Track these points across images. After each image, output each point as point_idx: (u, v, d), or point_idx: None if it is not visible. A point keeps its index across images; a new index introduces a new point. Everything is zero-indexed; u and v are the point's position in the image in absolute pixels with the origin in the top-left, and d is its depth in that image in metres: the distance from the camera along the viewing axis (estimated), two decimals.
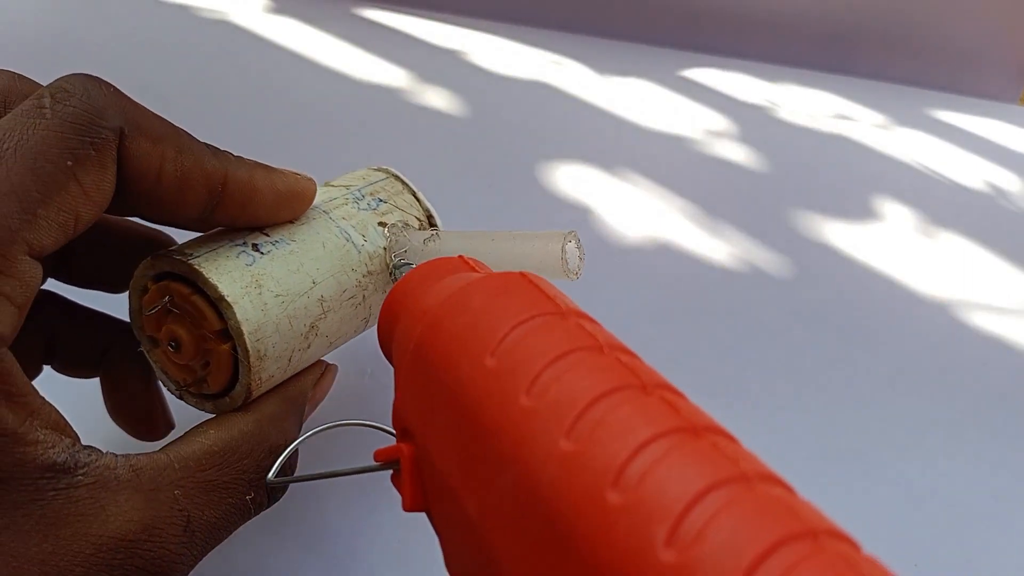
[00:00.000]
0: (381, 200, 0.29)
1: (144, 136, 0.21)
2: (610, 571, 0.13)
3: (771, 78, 0.67)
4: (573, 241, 0.24)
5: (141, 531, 0.19)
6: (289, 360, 0.25)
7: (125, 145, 0.21)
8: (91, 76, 0.21)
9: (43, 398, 0.19)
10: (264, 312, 0.24)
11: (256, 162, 0.25)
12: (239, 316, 0.24)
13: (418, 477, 0.19)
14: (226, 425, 0.23)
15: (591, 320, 0.18)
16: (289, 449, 0.24)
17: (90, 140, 0.20)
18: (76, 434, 0.20)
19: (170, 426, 0.29)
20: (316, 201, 0.27)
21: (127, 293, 0.26)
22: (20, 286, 0.19)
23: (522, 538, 0.15)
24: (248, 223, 0.25)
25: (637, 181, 0.51)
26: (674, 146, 0.56)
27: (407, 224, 0.28)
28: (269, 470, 0.23)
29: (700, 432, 0.14)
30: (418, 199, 0.30)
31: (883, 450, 0.34)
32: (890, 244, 0.49)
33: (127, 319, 0.26)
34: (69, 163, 0.20)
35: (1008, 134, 0.65)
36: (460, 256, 0.22)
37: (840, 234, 0.49)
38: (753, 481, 0.13)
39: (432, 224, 0.30)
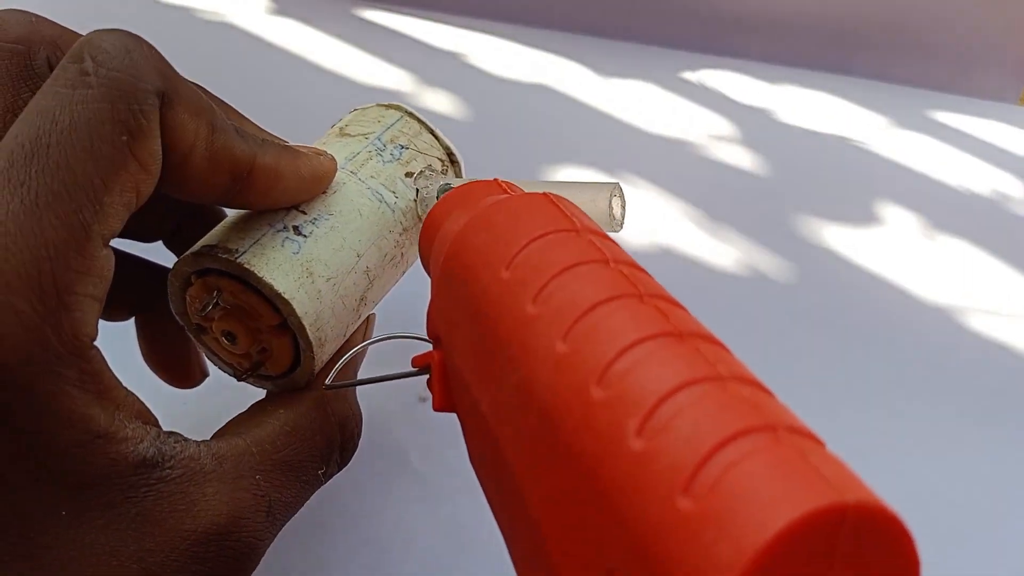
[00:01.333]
0: (403, 147, 0.28)
1: (183, 106, 0.20)
2: (588, 459, 0.14)
3: (771, 79, 0.67)
4: (618, 193, 0.25)
5: (229, 522, 0.20)
6: (344, 335, 0.26)
7: (164, 113, 0.20)
8: (128, 33, 0.20)
9: (126, 389, 0.19)
10: (320, 300, 0.24)
11: (282, 146, 0.24)
12: (299, 311, 0.23)
13: (445, 380, 0.21)
14: (294, 404, 0.23)
15: (605, 237, 0.19)
16: (346, 357, 0.24)
17: (139, 108, 0.19)
18: (157, 419, 0.20)
19: (204, 374, 0.29)
20: (339, 157, 0.27)
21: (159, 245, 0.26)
22: (101, 281, 0.19)
23: (521, 433, 0.16)
24: (268, 206, 0.25)
25: (638, 183, 0.51)
26: (675, 148, 0.56)
27: (432, 169, 0.28)
28: (340, 445, 0.24)
29: (685, 337, 0.15)
30: (436, 137, 0.30)
31: (885, 453, 0.34)
32: (891, 246, 0.49)
33: (161, 263, 0.26)
34: (124, 138, 0.18)
35: (1008, 134, 0.65)
36: (496, 179, 0.23)
37: (841, 236, 0.49)
38: (727, 381, 0.14)
39: (453, 161, 0.30)
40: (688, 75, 0.65)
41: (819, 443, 0.14)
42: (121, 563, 0.18)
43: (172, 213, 0.28)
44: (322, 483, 0.23)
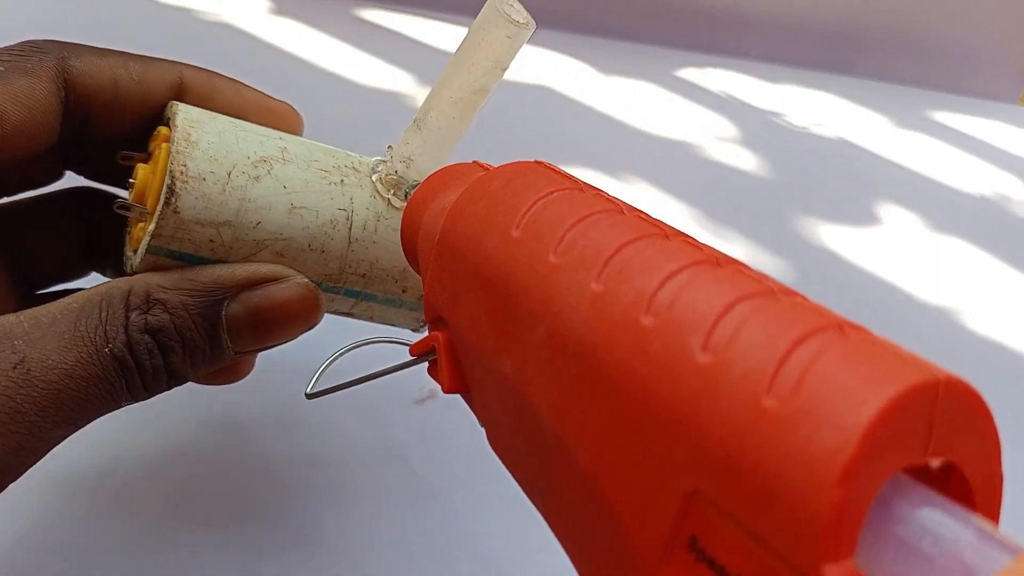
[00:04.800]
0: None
1: (88, 53, 0.23)
2: (648, 384, 0.14)
3: (771, 78, 0.67)
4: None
5: None
6: (229, 176, 0.23)
7: (71, 64, 0.23)
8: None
9: None
10: (212, 120, 0.24)
11: (223, 75, 0.26)
12: (179, 109, 0.23)
13: (454, 359, 0.20)
14: (95, 287, 0.22)
15: (608, 194, 0.19)
16: (326, 363, 0.22)
17: (24, 57, 0.22)
18: None
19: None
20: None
21: None
22: None
23: (558, 383, 0.16)
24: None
25: (637, 184, 0.51)
26: (675, 148, 0.56)
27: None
28: (132, 323, 0.21)
29: (723, 262, 0.15)
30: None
31: None
32: (891, 246, 0.49)
33: None
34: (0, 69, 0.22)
35: (1009, 134, 0.65)
36: (475, 161, 0.23)
37: (841, 236, 0.49)
38: (776, 294, 0.14)
39: None
40: (710, 85, 0.65)
41: (874, 335, 0.14)
42: None
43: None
44: (115, 372, 0.21)
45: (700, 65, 0.67)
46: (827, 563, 0.11)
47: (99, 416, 0.21)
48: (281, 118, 0.27)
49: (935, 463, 0.13)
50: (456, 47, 0.26)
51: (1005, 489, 0.14)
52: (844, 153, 0.59)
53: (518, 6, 0.24)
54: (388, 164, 0.25)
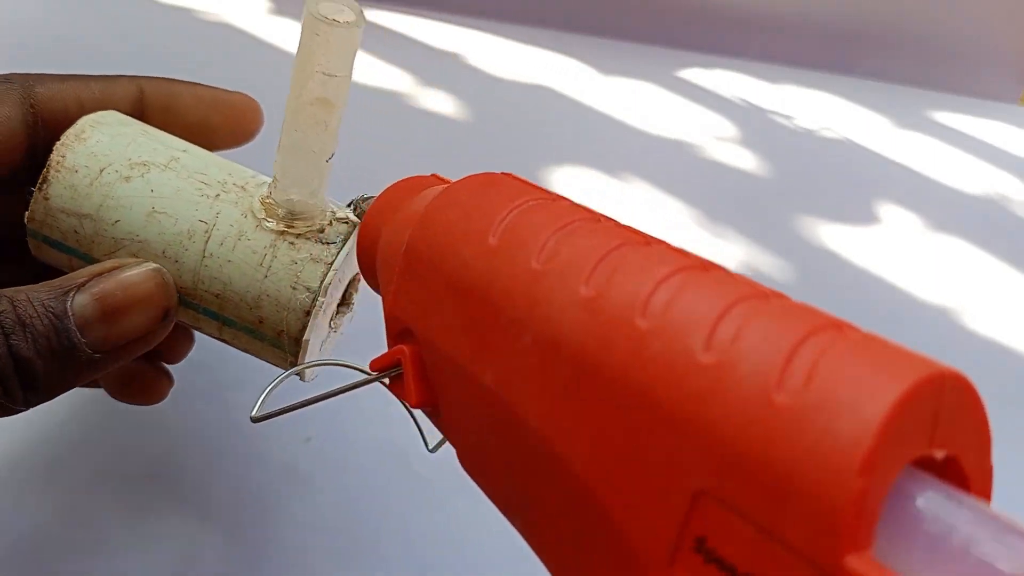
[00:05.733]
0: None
1: (52, 80, 0.25)
2: (647, 387, 0.14)
3: (771, 78, 0.67)
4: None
5: None
6: (101, 171, 0.24)
7: (36, 91, 0.25)
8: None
9: None
10: (124, 123, 0.25)
11: (182, 80, 0.28)
12: (103, 112, 0.25)
13: (422, 373, 0.20)
14: None
15: (580, 204, 0.19)
16: (267, 389, 0.21)
17: None
18: None
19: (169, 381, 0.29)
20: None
21: None
22: None
23: (547, 388, 0.16)
24: (183, 134, 0.27)
25: (637, 184, 0.51)
26: (675, 148, 0.56)
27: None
28: None
29: (710, 267, 0.16)
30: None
31: None
32: (891, 246, 0.49)
33: None
34: None
35: (1008, 135, 0.65)
36: (433, 174, 0.23)
37: (841, 236, 0.49)
38: (770, 297, 0.15)
39: None
40: (710, 84, 0.65)
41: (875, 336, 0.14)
42: None
43: None
44: None
45: (700, 65, 0.67)
46: (848, 554, 0.11)
47: None
48: (239, 109, 0.28)
49: (939, 455, 0.13)
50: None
51: (1007, 488, 0.14)
52: (844, 153, 0.59)
53: (340, 4, 0.23)
54: (268, 186, 0.25)
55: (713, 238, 0.47)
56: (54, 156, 0.24)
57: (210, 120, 0.27)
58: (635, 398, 0.14)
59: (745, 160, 0.55)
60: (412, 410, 0.22)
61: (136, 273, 0.23)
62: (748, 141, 0.57)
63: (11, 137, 0.24)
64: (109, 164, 0.24)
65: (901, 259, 0.48)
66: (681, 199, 0.50)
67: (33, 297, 0.21)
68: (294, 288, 0.24)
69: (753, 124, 0.60)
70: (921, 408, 0.12)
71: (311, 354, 0.25)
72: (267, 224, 0.24)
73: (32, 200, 0.24)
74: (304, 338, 0.24)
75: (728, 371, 0.13)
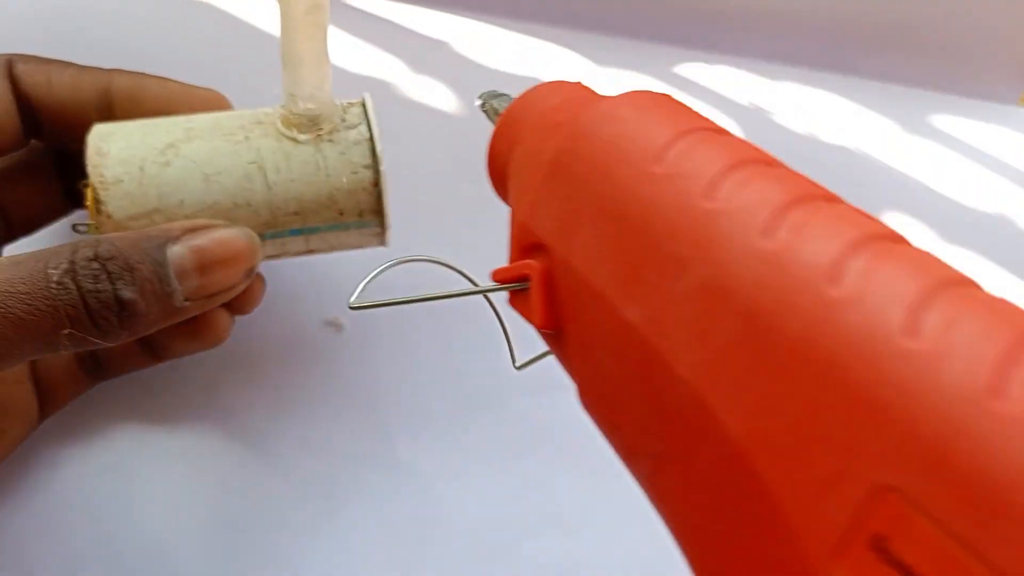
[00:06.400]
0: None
1: (32, 60, 0.28)
2: (837, 362, 0.13)
3: (771, 77, 0.66)
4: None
5: None
6: (142, 169, 0.25)
7: (16, 66, 0.27)
8: None
9: None
10: (122, 128, 0.27)
11: (151, 74, 0.29)
12: (94, 127, 0.26)
13: (550, 293, 0.18)
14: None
15: (746, 141, 0.18)
16: (368, 277, 0.22)
17: None
18: None
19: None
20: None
21: None
22: None
23: (707, 338, 0.14)
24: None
25: None
26: None
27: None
28: (79, 253, 0.22)
29: (899, 239, 0.15)
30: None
31: None
32: None
33: None
34: None
35: (1008, 136, 0.64)
36: (579, 82, 0.21)
37: None
38: (972, 286, 0.14)
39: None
40: (709, 82, 0.65)
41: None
42: None
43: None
44: (59, 297, 0.22)
45: (698, 62, 0.67)
46: None
47: (41, 343, 0.22)
48: (209, 104, 0.29)
49: None
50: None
51: None
52: (844, 153, 0.58)
53: None
54: (282, 107, 0.27)
55: None
56: (93, 179, 0.25)
57: (177, 112, 0.28)
58: (820, 370, 0.13)
59: None
60: (504, 323, 0.21)
61: (230, 232, 0.25)
62: (746, 139, 0.57)
63: (3, 100, 0.27)
64: (143, 160, 0.26)
65: None
66: None
67: (135, 243, 0.23)
68: (354, 172, 0.27)
69: (752, 123, 0.59)
70: None
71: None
72: (302, 137, 0.26)
73: (94, 227, 0.26)
74: (384, 206, 0.27)
75: (936, 363, 0.12)
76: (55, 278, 0.22)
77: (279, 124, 0.27)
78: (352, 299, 0.21)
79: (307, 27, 0.25)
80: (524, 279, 0.19)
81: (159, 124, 0.27)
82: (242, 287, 0.26)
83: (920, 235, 0.50)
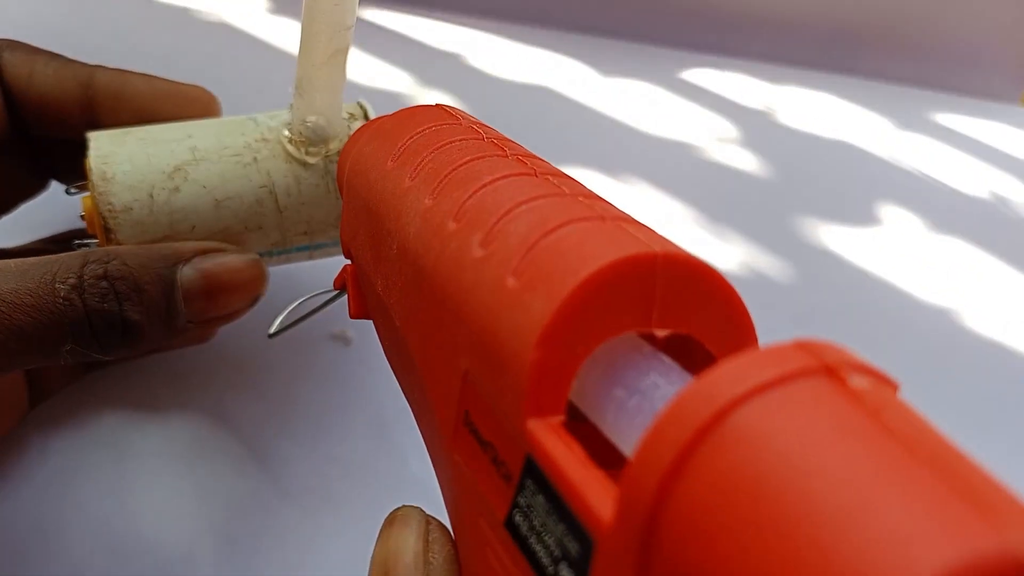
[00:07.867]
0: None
1: (20, 49, 0.27)
2: (440, 282, 0.16)
3: (771, 78, 0.67)
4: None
5: None
6: (151, 196, 0.25)
7: (3, 57, 0.27)
8: None
9: None
10: (121, 146, 0.25)
11: (137, 72, 0.28)
12: (91, 145, 0.25)
13: (358, 288, 0.22)
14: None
15: (495, 134, 0.20)
16: (290, 307, 0.24)
17: None
18: None
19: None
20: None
21: None
22: None
23: (402, 289, 0.18)
24: (133, 121, 0.27)
25: (638, 184, 0.51)
26: (675, 149, 0.56)
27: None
28: (88, 270, 0.22)
29: (539, 174, 0.17)
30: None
31: None
32: (891, 247, 0.49)
33: None
34: None
35: (1009, 135, 0.64)
36: (438, 104, 0.24)
37: (841, 237, 0.49)
38: (567, 196, 0.16)
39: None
40: (710, 84, 0.65)
41: (648, 230, 0.15)
42: None
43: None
44: (63, 305, 0.22)
45: (700, 65, 0.67)
46: (531, 419, 0.13)
47: (42, 355, 0.22)
48: (196, 102, 0.29)
49: (662, 333, 0.14)
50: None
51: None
52: (844, 153, 0.59)
53: None
54: (292, 128, 0.27)
55: (713, 238, 0.47)
56: (102, 207, 0.24)
57: (161, 109, 0.28)
58: (436, 291, 0.16)
59: (744, 160, 0.55)
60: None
61: (241, 259, 0.25)
62: (747, 141, 0.57)
63: None
64: (153, 186, 0.25)
65: (901, 259, 0.48)
66: (681, 199, 0.50)
67: (146, 265, 0.23)
68: None
69: (752, 124, 0.60)
70: (624, 286, 0.13)
71: None
72: (311, 160, 0.26)
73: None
74: None
75: (487, 263, 0.14)
76: (62, 294, 0.21)
77: (286, 142, 0.26)
78: (271, 329, 0.24)
79: (331, 70, 0.25)
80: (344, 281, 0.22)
81: (159, 139, 0.26)
82: (245, 313, 0.26)
83: (922, 231, 0.51)
